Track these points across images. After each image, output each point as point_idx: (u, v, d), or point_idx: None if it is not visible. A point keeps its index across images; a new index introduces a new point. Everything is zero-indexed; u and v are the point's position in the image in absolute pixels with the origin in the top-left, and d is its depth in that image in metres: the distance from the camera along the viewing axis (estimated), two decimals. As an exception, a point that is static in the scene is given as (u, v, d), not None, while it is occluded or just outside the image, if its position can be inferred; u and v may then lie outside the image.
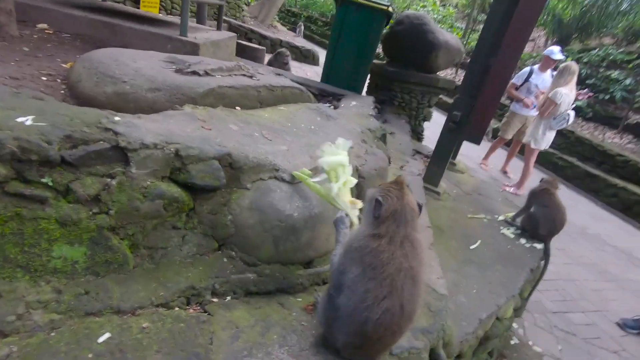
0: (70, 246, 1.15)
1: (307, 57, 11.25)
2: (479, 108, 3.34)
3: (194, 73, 1.99)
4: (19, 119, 1.12)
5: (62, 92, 1.93)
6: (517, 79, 5.89)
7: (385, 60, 5.91)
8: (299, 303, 1.50)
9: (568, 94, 5.04)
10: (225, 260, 1.47)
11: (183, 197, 1.37)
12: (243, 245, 1.50)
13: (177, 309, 1.27)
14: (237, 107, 2.19)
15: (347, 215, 1.46)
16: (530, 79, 5.77)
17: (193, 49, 3.45)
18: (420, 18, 5.08)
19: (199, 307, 1.31)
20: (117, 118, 1.32)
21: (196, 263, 1.41)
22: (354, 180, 1.57)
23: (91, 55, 1.99)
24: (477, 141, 3.52)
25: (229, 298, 1.40)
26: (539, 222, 3.16)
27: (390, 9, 4.42)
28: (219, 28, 5.02)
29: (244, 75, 2.25)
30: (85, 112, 1.30)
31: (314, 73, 8.99)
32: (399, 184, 1.17)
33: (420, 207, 1.18)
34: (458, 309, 2.15)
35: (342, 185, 1.51)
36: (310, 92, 3.11)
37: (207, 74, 2.03)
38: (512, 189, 5.71)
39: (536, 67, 5.93)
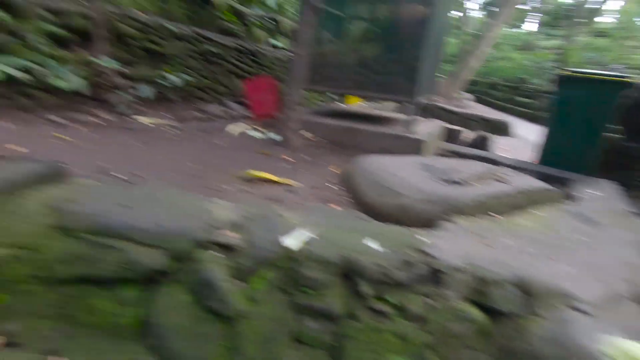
0: (400, 358, 1.35)
1: (500, 129, 10.66)
2: None
3: (456, 182, 2.17)
4: (369, 243, 1.47)
5: (347, 199, 2.44)
6: None
7: (623, 133, 4.88)
8: None
9: None
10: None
11: (485, 321, 1.42)
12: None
13: None
14: (490, 212, 2.21)
15: None
16: None
17: (417, 145, 3.82)
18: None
19: None
20: (426, 240, 1.54)
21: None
22: None
23: (361, 165, 2.49)
24: None
25: None
26: None
27: (627, 79, 3.78)
28: (424, 116, 5.43)
29: (497, 180, 2.28)
30: (401, 233, 1.58)
31: (509, 146, 8.37)
32: None
33: None
34: None
35: None
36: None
37: (466, 183, 2.17)
38: None
39: None
